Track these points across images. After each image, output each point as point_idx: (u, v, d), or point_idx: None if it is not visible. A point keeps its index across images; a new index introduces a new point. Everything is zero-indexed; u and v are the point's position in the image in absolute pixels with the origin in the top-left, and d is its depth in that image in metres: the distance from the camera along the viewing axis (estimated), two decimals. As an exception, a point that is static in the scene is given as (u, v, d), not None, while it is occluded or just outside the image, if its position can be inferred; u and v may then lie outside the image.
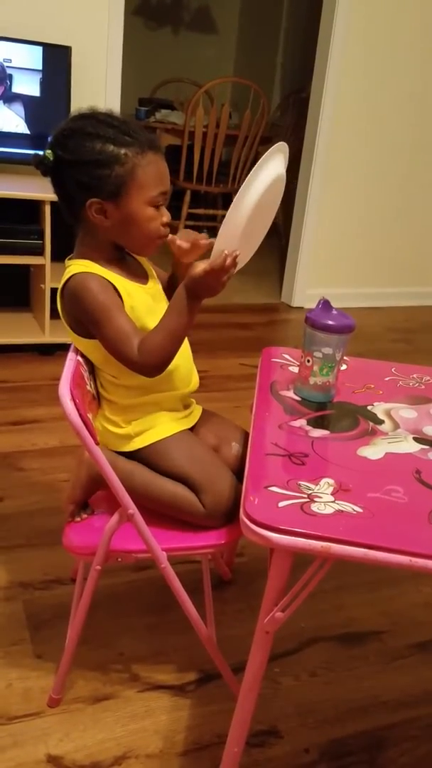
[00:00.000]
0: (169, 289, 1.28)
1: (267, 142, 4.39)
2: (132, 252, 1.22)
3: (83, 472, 1.18)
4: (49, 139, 1.15)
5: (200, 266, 1.06)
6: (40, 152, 1.14)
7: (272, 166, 1.08)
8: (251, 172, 1.05)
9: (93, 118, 1.13)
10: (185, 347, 1.22)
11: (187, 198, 4.26)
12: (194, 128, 4.07)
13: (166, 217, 1.16)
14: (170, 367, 1.14)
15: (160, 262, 1.33)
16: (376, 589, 1.64)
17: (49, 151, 1.12)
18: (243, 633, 1.36)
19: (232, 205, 1.05)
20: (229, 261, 1.05)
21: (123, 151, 1.10)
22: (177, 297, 1.10)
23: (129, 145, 1.10)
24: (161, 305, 1.23)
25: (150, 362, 1.10)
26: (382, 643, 1.49)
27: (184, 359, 1.24)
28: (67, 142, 1.12)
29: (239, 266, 1.17)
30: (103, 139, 1.10)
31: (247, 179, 1.04)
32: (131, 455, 1.21)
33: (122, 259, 1.21)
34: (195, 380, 1.29)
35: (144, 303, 1.18)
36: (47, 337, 2.69)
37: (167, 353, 1.11)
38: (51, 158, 1.12)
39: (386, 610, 1.58)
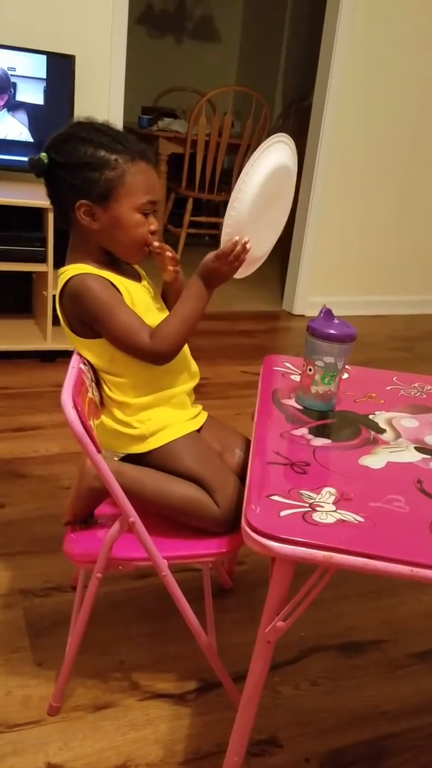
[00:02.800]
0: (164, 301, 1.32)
1: (269, 150, 4.41)
2: (120, 258, 1.24)
3: (84, 485, 1.16)
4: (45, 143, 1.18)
5: (212, 253, 1.12)
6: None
7: (274, 154, 1.12)
8: (249, 160, 1.09)
9: (89, 125, 1.17)
10: None
11: (189, 206, 4.27)
12: (197, 137, 4.09)
13: (154, 225, 1.20)
14: (172, 362, 1.18)
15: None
16: (377, 598, 1.64)
17: (44, 154, 1.16)
18: (243, 641, 1.35)
19: (234, 190, 1.09)
20: (239, 247, 1.11)
21: (114, 157, 1.14)
22: (191, 284, 1.16)
23: (120, 152, 1.14)
24: (158, 304, 1.28)
25: (164, 349, 1.15)
26: (382, 652, 1.48)
27: (182, 354, 1.25)
28: (62, 146, 1.16)
29: (259, 260, 1.23)
30: (96, 145, 1.14)
31: (245, 167, 1.08)
32: (141, 457, 1.21)
33: (114, 263, 1.23)
34: (195, 370, 1.31)
35: (143, 300, 1.22)
36: (49, 344, 2.69)
37: (181, 339, 1.16)
38: (45, 161, 1.15)
39: (387, 619, 1.58)
